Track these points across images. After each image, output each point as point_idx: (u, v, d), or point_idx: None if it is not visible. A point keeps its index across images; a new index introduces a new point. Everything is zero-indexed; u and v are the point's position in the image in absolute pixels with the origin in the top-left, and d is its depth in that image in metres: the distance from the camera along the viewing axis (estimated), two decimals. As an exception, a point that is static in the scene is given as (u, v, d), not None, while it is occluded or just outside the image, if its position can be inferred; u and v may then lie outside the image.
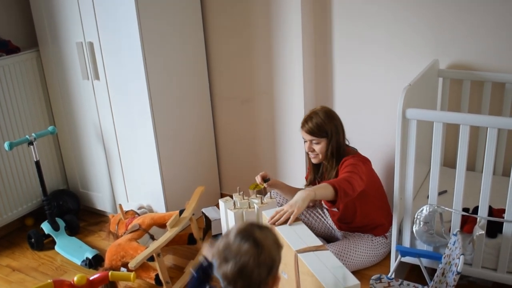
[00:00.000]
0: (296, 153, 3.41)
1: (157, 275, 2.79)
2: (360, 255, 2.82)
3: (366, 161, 2.80)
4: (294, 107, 3.33)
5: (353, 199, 2.66)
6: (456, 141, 2.81)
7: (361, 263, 2.84)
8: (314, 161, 2.87)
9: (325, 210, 3.10)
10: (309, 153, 2.84)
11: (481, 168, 2.94)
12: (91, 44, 3.23)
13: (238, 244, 1.57)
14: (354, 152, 2.84)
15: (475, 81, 2.90)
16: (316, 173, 2.98)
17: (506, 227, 2.35)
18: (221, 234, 2.98)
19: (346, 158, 2.75)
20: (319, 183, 2.92)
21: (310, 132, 2.75)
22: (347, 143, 2.88)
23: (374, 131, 3.21)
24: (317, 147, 2.78)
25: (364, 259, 2.84)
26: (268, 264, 1.58)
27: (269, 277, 1.60)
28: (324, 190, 2.48)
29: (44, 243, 3.45)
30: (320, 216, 3.09)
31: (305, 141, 2.83)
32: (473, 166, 3.01)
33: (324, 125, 2.73)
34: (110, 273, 2.38)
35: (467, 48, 2.89)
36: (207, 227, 3.30)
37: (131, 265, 2.63)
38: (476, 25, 2.81)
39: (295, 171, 3.45)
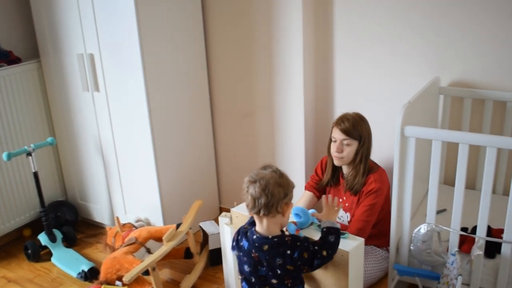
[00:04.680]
0: (295, 168, 3.39)
1: (152, 290, 2.77)
2: (368, 268, 2.77)
3: (386, 186, 2.77)
4: (294, 122, 3.31)
5: None
6: (456, 159, 2.80)
7: (369, 277, 2.78)
8: (337, 162, 2.80)
9: None
10: (336, 153, 2.76)
11: (480, 187, 2.92)
12: (91, 56, 3.23)
13: (263, 171, 2.02)
14: (378, 167, 2.80)
15: (476, 99, 2.88)
16: (332, 177, 2.93)
17: (504, 248, 2.32)
18: (219, 248, 2.97)
19: (373, 176, 2.71)
20: (331, 187, 2.93)
21: (345, 131, 2.71)
22: None
23: (373, 148, 3.18)
24: (346, 149, 2.73)
25: (372, 273, 2.79)
26: (285, 187, 1.99)
27: (284, 200, 1.99)
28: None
29: (41, 255, 3.43)
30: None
31: (333, 141, 2.78)
32: (473, 185, 2.98)
33: (360, 127, 2.72)
34: (103, 287, 2.36)
35: (468, 66, 2.87)
36: (204, 241, 3.27)
37: (126, 279, 2.61)
38: (478, 43, 2.80)
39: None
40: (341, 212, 2.88)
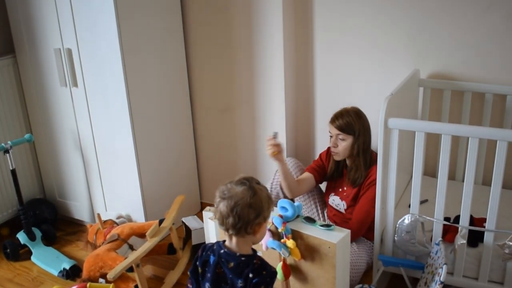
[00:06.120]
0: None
1: (136, 286, 2.75)
2: (362, 258, 2.79)
3: None
4: (275, 117, 3.32)
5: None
6: (436, 150, 2.84)
7: (363, 264, 2.79)
8: (335, 157, 2.87)
9: (324, 211, 3.08)
10: (332, 148, 2.84)
11: (461, 177, 2.97)
12: (69, 51, 3.18)
13: (236, 187, 1.86)
14: None
15: (455, 91, 2.92)
16: (335, 171, 2.96)
17: (487, 236, 2.36)
18: (203, 243, 2.95)
19: (374, 168, 2.71)
20: (335, 182, 2.96)
21: (339, 127, 2.76)
22: None
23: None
24: (341, 144, 2.78)
25: (363, 262, 2.81)
26: (257, 208, 1.84)
27: (255, 221, 1.85)
28: None
29: (20, 254, 3.37)
30: (317, 215, 3.08)
31: (330, 136, 2.84)
32: (453, 175, 3.03)
33: (353, 123, 2.75)
34: (88, 285, 2.34)
35: (447, 58, 2.91)
36: (187, 236, 3.26)
37: (110, 276, 2.59)
38: (457, 36, 2.84)
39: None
40: (338, 200, 2.92)
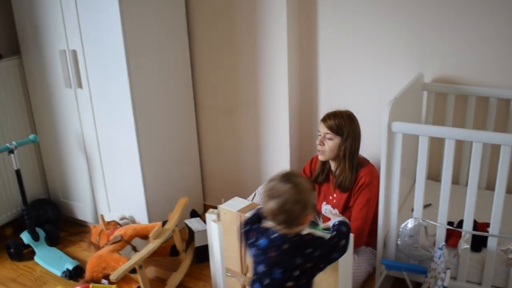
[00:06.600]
0: (280, 164, 3.40)
1: (139, 287, 2.75)
2: (361, 268, 2.78)
3: (376, 179, 2.74)
4: (279, 119, 3.32)
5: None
6: (440, 154, 2.84)
7: (363, 273, 2.78)
8: (320, 157, 2.85)
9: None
10: (318, 146, 2.81)
11: (465, 182, 2.96)
12: (74, 52, 3.19)
13: (281, 185, 1.94)
14: (367, 162, 2.82)
15: (459, 95, 2.92)
16: (321, 173, 2.95)
17: (490, 241, 2.36)
18: (206, 245, 2.97)
19: (363, 171, 2.73)
20: (324, 189, 2.94)
21: (328, 125, 2.75)
22: None
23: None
24: (328, 143, 2.76)
25: (362, 272, 2.80)
26: (303, 202, 1.94)
27: (303, 214, 1.95)
28: None
29: (24, 254, 3.38)
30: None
31: (319, 135, 2.82)
32: (457, 180, 3.02)
33: (344, 125, 2.74)
34: (91, 286, 2.35)
35: (451, 62, 2.91)
36: (190, 238, 3.26)
37: (113, 277, 2.59)
38: (461, 40, 2.84)
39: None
40: (330, 209, 2.90)
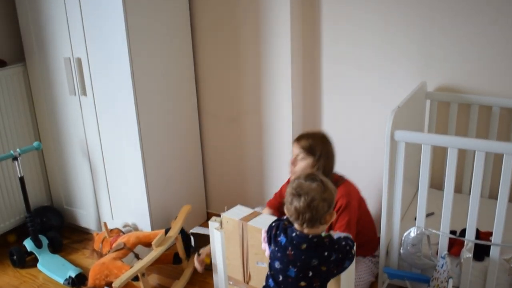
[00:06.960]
0: (283, 173, 3.40)
1: (141, 295, 2.76)
2: (361, 279, 2.76)
3: (355, 198, 2.72)
4: (282, 127, 3.33)
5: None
6: (442, 163, 2.84)
7: (364, 283, 2.77)
8: (292, 178, 2.82)
9: None
10: (290, 167, 2.78)
11: (467, 190, 2.96)
12: (79, 60, 3.21)
13: (308, 183, 1.98)
14: (342, 181, 2.76)
15: (462, 104, 2.93)
16: None
17: (493, 250, 2.36)
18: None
19: (339, 192, 2.63)
20: None
21: (301, 146, 2.72)
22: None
23: (362, 153, 3.21)
24: (300, 164, 2.72)
25: (365, 279, 2.79)
26: (329, 200, 1.98)
27: (328, 213, 1.98)
28: None
29: (26, 261, 3.39)
30: None
31: (292, 156, 2.81)
32: (459, 188, 3.02)
33: (316, 145, 2.71)
34: (94, 293, 2.35)
35: (455, 71, 2.91)
36: (188, 244, 3.26)
37: (115, 284, 2.59)
38: (464, 48, 2.85)
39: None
40: None
